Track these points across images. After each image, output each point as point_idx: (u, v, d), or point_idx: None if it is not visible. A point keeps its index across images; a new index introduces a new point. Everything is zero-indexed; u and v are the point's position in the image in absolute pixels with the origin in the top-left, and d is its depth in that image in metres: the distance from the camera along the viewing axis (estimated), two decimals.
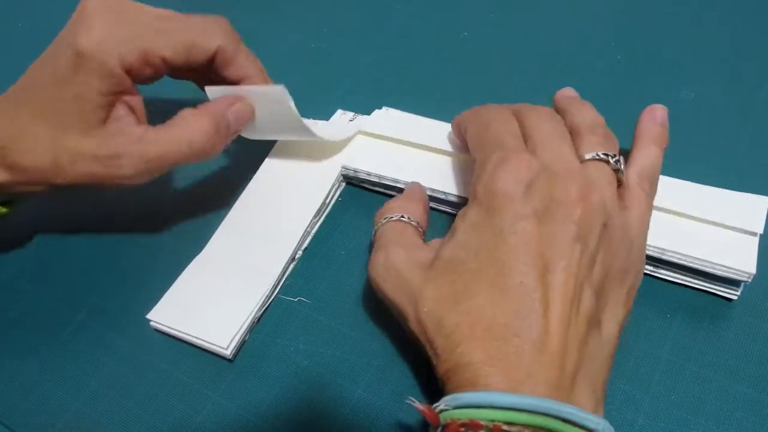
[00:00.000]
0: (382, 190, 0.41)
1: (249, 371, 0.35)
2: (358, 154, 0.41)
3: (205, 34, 0.36)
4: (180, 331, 0.35)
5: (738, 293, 0.35)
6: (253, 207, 0.40)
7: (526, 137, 0.32)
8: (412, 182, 0.38)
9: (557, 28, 0.49)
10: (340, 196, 0.41)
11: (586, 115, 0.33)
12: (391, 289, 0.32)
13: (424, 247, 0.32)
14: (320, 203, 0.39)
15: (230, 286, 0.36)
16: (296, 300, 0.37)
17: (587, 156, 0.31)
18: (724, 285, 0.35)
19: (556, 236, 0.28)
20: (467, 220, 0.30)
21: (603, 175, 0.30)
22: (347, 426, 0.33)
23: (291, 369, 0.35)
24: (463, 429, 0.25)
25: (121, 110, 0.35)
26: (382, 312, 0.36)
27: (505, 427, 0.24)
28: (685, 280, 0.36)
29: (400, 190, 0.39)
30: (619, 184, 0.31)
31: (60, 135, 0.34)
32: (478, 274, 0.28)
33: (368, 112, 0.44)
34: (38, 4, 0.56)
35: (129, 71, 0.34)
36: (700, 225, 0.35)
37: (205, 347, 0.35)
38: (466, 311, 0.28)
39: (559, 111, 0.35)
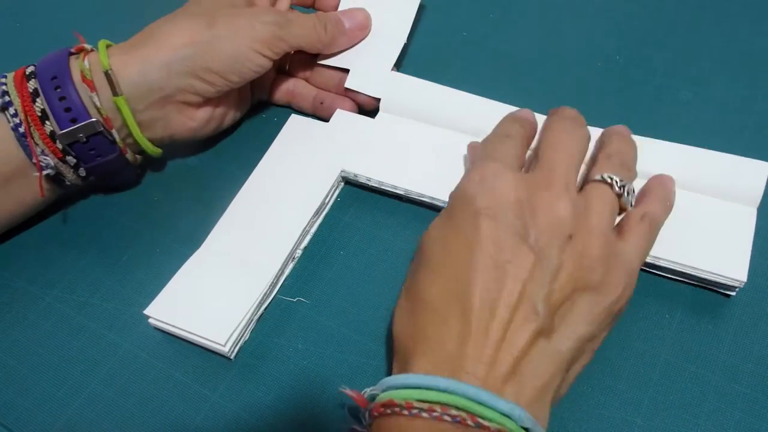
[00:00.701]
0: (382, 188, 0.41)
1: (248, 371, 0.35)
2: (357, 158, 0.41)
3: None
4: (178, 328, 0.35)
5: (736, 289, 0.35)
6: (251, 205, 0.40)
7: (536, 151, 0.34)
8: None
9: (556, 27, 0.49)
10: (339, 196, 0.41)
11: (616, 145, 0.34)
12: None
13: None
14: (319, 202, 0.39)
15: (228, 283, 0.36)
16: (295, 300, 0.37)
17: (594, 177, 0.32)
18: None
19: (508, 238, 0.28)
20: (439, 215, 0.32)
21: (600, 196, 0.31)
22: (345, 426, 0.33)
23: (290, 369, 0.35)
24: (383, 409, 0.27)
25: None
26: (381, 313, 0.36)
27: (416, 404, 0.26)
28: (683, 278, 0.36)
29: (401, 197, 0.40)
30: (622, 210, 0.33)
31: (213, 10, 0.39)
32: (431, 260, 0.30)
33: (367, 112, 0.44)
34: (37, 4, 0.56)
35: None
36: (694, 207, 0.36)
37: (203, 344, 0.35)
38: (414, 291, 0.30)
39: (602, 136, 0.36)
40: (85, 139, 0.37)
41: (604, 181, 0.32)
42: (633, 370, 0.33)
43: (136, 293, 0.38)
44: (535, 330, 0.27)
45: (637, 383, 0.33)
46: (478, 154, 0.35)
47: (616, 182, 0.32)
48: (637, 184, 0.36)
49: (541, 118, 0.41)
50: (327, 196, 0.40)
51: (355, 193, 0.41)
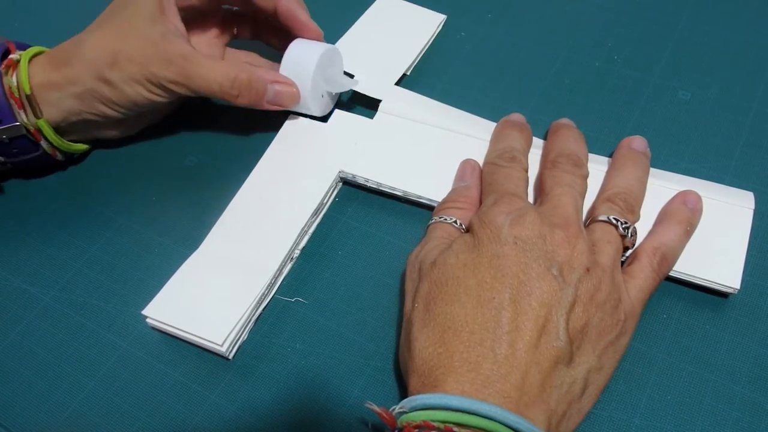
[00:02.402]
0: (381, 189, 0.41)
1: (246, 371, 0.35)
2: (356, 159, 0.41)
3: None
4: (175, 328, 0.35)
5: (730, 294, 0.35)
6: (249, 206, 0.40)
7: (540, 186, 0.36)
8: (470, 182, 0.38)
9: (555, 27, 0.49)
10: (337, 196, 0.41)
11: (623, 181, 0.36)
12: (407, 280, 0.34)
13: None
14: (317, 203, 0.39)
15: (226, 283, 0.36)
16: (293, 300, 0.37)
17: (599, 218, 0.34)
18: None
19: (535, 267, 0.29)
20: (463, 238, 0.32)
21: (605, 235, 0.33)
22: (344, 426, 0.33)
23: (288, 369, 0.35)
24: (416, 431, 0.27)
25: (174, 24, 0.39)
26: (380, 313, 0.36)
27: (455, 429, 0.26)
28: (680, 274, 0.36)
29: (399, 198, 0.40)
30: (626, 248, 0.34)
31: (118, 38, 0.38)
32: (460, 282, 0.30)
33: (365, 113, 0.44)
34: (35, 4, 0.56)
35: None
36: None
37: (200, 344, 0.35)
38: (443, 313, 0.30)
39: (615, 158, 0.38)
40: (7, 140, 0.38)
41: (609, 222, 0.33)
42: (631, 370, 0.33)
43: (135, 293, 0.38)
44: (558, 354, 0.28)
45: (635, 383, 0.33)
46: (494, 183, 0.36)
47: (621, 223, 0.33)
48: None
49: (536, 119, 0.42)
50: (325, 196, 0.40)
51: (354, 193, 0.41)
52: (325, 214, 0.40)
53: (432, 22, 0.49)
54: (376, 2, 0.50)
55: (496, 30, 0.50)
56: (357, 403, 0.33)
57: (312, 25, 0.42)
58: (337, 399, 0.34)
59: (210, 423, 0.33)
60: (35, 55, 0.39)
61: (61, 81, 0.38)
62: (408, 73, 0.47)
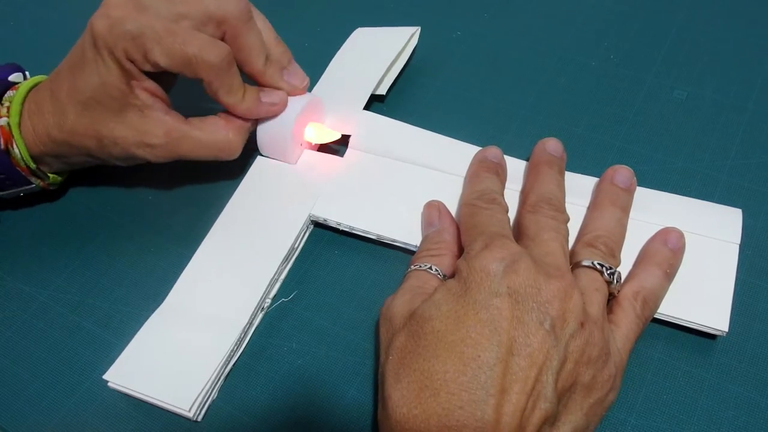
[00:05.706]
0: (354, 233, 0.39)
1: (243, 370, 0.35)
2: (326, 201, 0.39)
3: (210, 48, 0.35)
4: (139, 393, 0.33)
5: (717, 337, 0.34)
6: (216, 255, 0.38)
7: (521, 229, 0.34)
8: (440, 225, 0.36)
9: (551, 27, 0.49)
10: (309, 237, 0.40)
11: (603, 224, 0.35)
12: (381, 330, 0.32)
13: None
14: (287, 249, 0.38)
15: (192, 342, 0.34)
16: (290, 298, 0.37)
17: (583, 263, 0.32)
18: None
19: (527, 321, 0.27)
20: (447, 286, 0.30)
21: (592, 282, 0.32)
22: (340, 426, 0.33)
23: (285, 369, 0.35)
24: None
25: (146, 97, 0.36)
26: (375, 312, 0.36)
27: None
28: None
29: (373, 241, 0.38)
30: (611, 296, 0.32)
31: (97, 121, 0.36)
32: (441, 336, 0.28)
33: (334, 149, 0.43)
34: (32, 3, 0.56)
35: (134, 64, 0.35)
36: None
37: (165, 408, 0.33)
38: (420, 370, 0.28)
39: (596, 195, 0.37)
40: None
41: (594, 267, 0.32)
42: (627, 369, 0.33)
43: (131, 292, 0.38)
44: (544, 416, 0.27)
45: (631, 383, 0.33)
46: (479, 225, 0.33)
47: (606, 269, 0.32)
48: None
49: (532, 118, 0.41)
50: (296, 241, 0.38)
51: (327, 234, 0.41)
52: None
53: (402, 37, 0.46)
54: (350, 37, 0.47)
55: (492, 29, 0.50)
56: (353, 402, 0.33)
57: (296, 89, 0.40)
58: (333, 398, 0.34)
59: (207, 422, 0.33)
60: (32, 87, 0.38)
61: (47, 128, 0.37)
62: (384, 93, 0.45)
